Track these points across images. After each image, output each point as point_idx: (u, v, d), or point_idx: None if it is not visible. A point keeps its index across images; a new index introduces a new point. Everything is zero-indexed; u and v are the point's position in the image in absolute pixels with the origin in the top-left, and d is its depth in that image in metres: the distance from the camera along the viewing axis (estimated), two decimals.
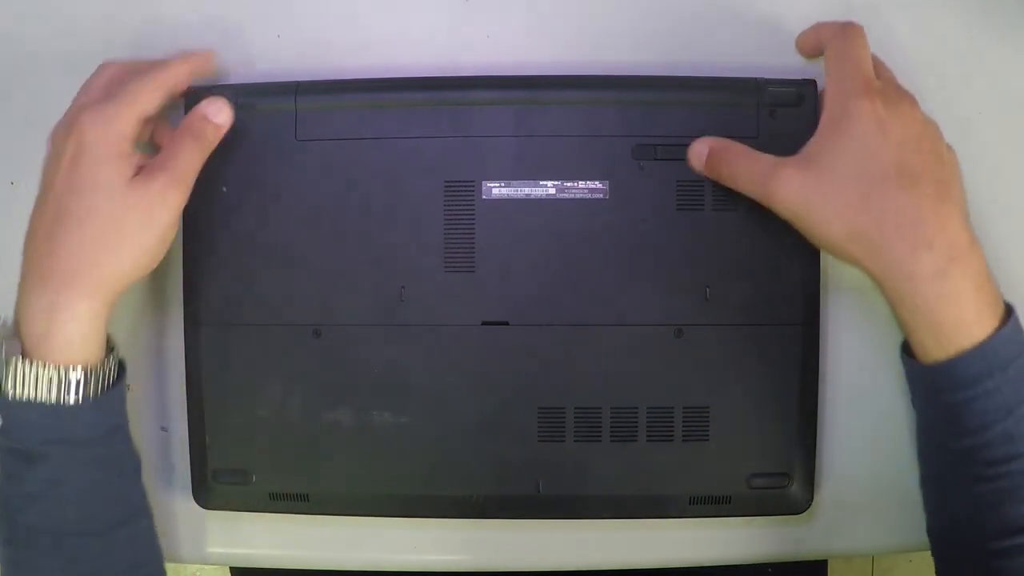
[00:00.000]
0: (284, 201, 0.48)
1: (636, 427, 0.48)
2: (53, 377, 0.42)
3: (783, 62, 0.49)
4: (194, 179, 0.46)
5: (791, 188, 0.43)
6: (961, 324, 0.40)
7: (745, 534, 0.52)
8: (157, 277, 0.51)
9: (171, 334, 0.52)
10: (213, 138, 0.47)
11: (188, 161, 0.45)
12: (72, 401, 0.42)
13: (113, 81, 0.46)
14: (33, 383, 0.42)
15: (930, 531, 0.46)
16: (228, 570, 0.72)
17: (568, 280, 0.48)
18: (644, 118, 0.48)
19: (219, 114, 0.47)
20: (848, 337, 0.51)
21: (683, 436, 0.48)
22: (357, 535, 0.53)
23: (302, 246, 0.48)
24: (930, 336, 0.41)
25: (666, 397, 0.48)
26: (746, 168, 0.45)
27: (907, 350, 0.44)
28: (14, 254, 0.53)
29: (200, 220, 0.48)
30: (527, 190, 0.48)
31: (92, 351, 0.43)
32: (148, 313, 0.52)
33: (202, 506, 0.50)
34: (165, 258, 0.46)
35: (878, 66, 0.45)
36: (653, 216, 0.48)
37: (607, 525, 0.52)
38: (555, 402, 0.48)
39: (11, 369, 0.42)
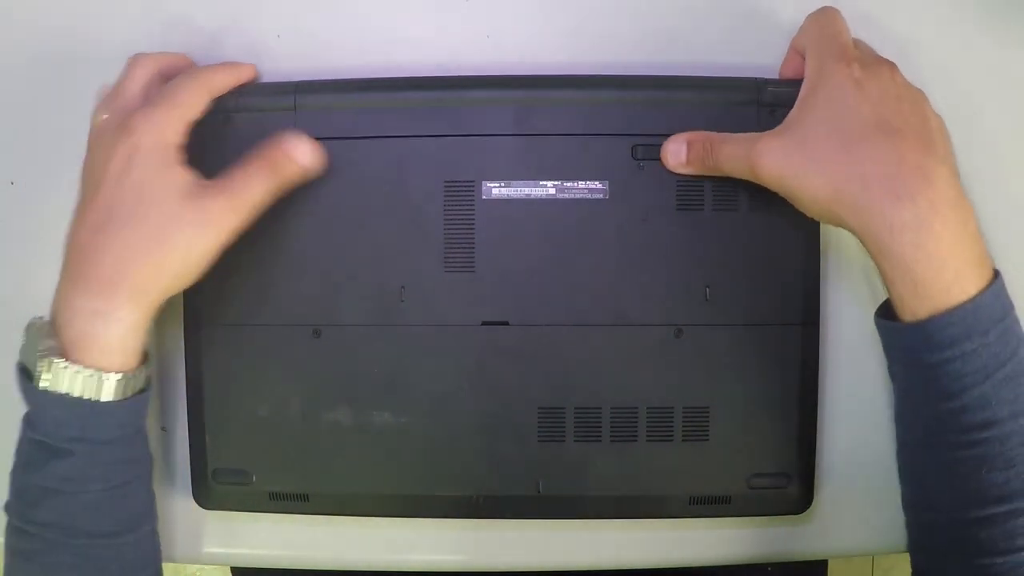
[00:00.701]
0: (284, 201, 0.48)
1: (636, 427, 0.48)
2: (89, 379, 0.42)
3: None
4: (260, 210, 0.45)
5: (773, 156, 0.43)
6: (940, 280, 0.40)
7: (745, 534, 0.52)
8: None
9: (171, 334, 0.52)
10: (291, 178, 0.45)
11: (256, 192, 0.45)
12: (103, 403, 0.43)
13: (152, 81, 0.46)
14: (67, 382, 0.42)
15: (905, 502, 0.46)
16: (228, 570, 0.72)
17: (568, 280, 0.48)
18: (644, 117, 0.48)
19: (305, 156, 0.45)
20: (848, 337, 0.51)
21: (683, 436, 0.48)
22: (357, 535, 0.53)
23: (302, 246, 0.48)
24: (909, 291, 0.40)
25: (666, 397, 0.48)
26: (728, 151, 0.45)
27: (884, 315, 0.43)
28: (14, 252, 0.53)
29: None
30: (527, 190, 0.48)
31: (128, 357, 0.43)
32: None
33: (202, 506, 0.50)
34: None
35: (856, 42, 0.46)
36: (653, 216, 0.48)
37: (607, 525, 0.52)
38: (555, 402, 0.48)
39: (46, 366, 0.42)
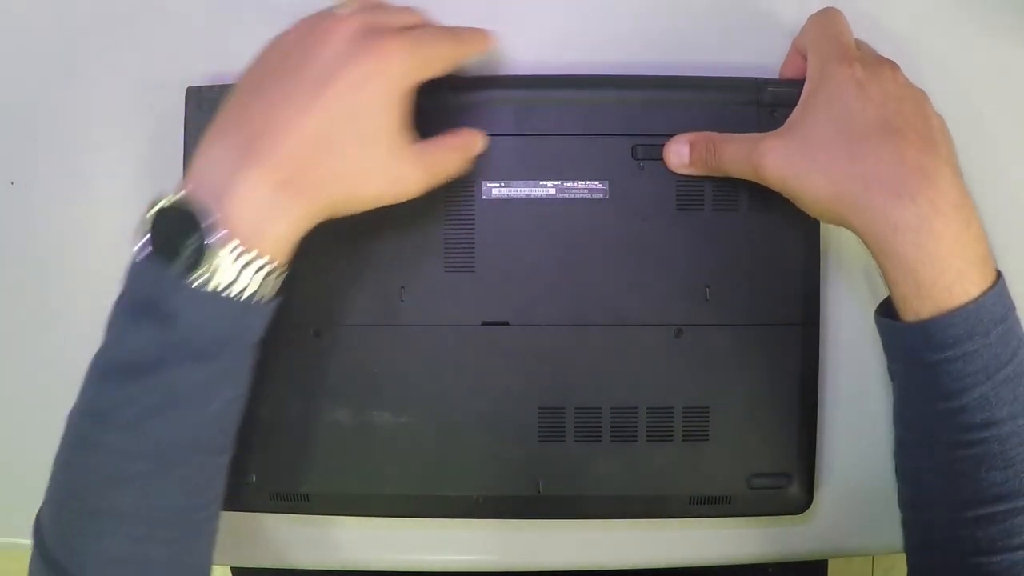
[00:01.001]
0: None
1: (636, 427, 0.48)
2: (263, 269, 0.40)
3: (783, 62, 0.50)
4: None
5: (776, 156, 0.43)
6: (942, 280, 0.40)
7: (745, 534, 0.52)
8: None
9: None
10: (466, 165, 0.46)
11: (443, 174, 0.45)
12: (261, 298, 0.41)
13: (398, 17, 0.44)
14: (240, 275, 0.39)
15: (903, 501, 0.46)
16: (228, 570, 0.72)
17: (568, 280, 0.48)
18: (644, 117, 0.48)
19: (479, 145, 0.47)
20: (848, 337, 0.51)
21: (683, 436, 0.48)
22: (357, 535, 0.53)
23: (302, 246, 0.48)
24: (912, 291, 0.41)
25: (666, 397, 0.48)
26: (730, 151, 0.45)
27: (885, 313, 0.43)
28: (14, 252, 0.53)
29: None
30: (527, 190, 0.48)
31: (288, 255, 0.42)
32: None
33: None
34: None
35: (858, 42, 0.46)
36: (653, 216, 0.48)
37: (607, 525, 0.52)
38: (555, 402, 0.48)
39: (213, 256, 0.38)
